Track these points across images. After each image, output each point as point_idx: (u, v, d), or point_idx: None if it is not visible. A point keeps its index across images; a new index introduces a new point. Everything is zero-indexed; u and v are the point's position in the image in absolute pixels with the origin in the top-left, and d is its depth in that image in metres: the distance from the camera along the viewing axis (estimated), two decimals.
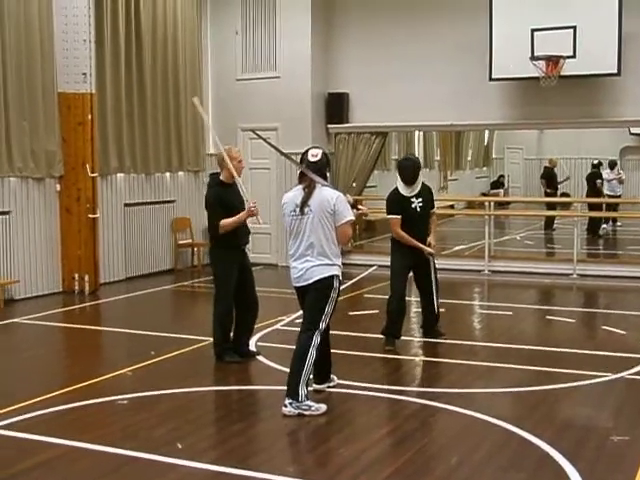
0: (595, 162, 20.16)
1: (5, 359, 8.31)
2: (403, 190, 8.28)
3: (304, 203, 6.24)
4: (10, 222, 11.11)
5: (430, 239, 8.35)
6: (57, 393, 6.76)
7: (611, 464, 5.22)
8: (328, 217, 6.20)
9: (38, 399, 6.54)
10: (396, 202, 8.31)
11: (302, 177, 6.36)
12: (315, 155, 6.36)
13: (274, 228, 14.23)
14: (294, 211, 6.30)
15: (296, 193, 6.35)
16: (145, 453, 5.35)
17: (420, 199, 8.27)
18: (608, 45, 12.27)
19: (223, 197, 7.62)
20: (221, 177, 7.69)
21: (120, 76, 12.67)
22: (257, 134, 7.42)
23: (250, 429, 6.04)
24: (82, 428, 5.98)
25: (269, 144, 7.16)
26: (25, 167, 11.21)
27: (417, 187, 8.27)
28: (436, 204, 8.67)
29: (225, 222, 7.55)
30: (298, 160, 6.54)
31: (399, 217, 8.24)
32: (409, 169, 8.27)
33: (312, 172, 6.25)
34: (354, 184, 14.38)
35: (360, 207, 6.86)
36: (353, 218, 6.33)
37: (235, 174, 7.40)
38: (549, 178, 19.92)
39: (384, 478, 4.96)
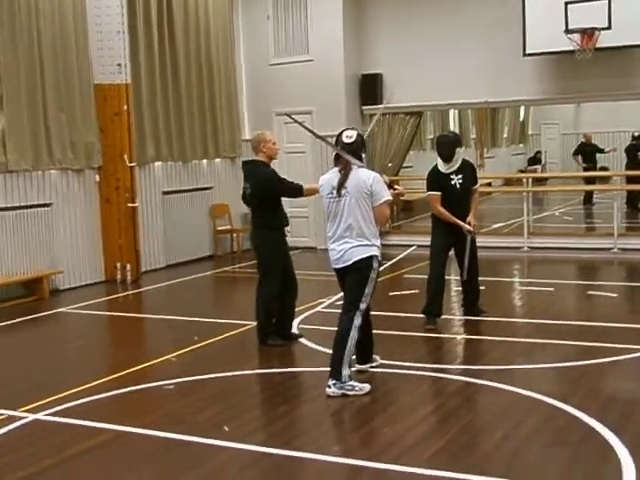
0: (636, 134, 19.86)
1: (53, 348, 8.47)
2: (442, 167, 8.28)
3: (341, 185, 6.25)
4: (52, 214, 11.27)
5: (470, 218, 8.32)
6: (104, 380, 6.88)
7: None
8: (365, 198, 6.21)
9: (86, 386, 6.66)
10: (435, 178, 8.31)
11: (338, 159, 6.36)
12: (350, 137, 6.36)
13: (312, 211, 14.28)
14: (331, 193, 6.31)
15: (332, 175, 6.37)
16: (193, 436, 5.43)
17: (460, 175, 8.24)
18: None
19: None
20: (261, 159, 7.76)
21: (154, 65, 12.76)
22: (292, 118, 7.41)
23: (294, 411, 6.11)
24: (130, 413, 6.10)
25: (304, 127, 7.16)
26: (65, 159, 11.35)
27: (456, 164, 8.24)
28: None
29: (310, 187, 7.65)
30: (333, 142, 6.54)
31: (439, 194, 8.23)
32: (445, 145, 8.25)
33: (347, 154, 6.26)
34: (390, 164, 14.36)
35: (396, 187, 6.86)
36: (390, 198, 6.34)
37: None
38: (584, 153, 19.70)
39: (430, 455, 4.99)
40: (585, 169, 19.27)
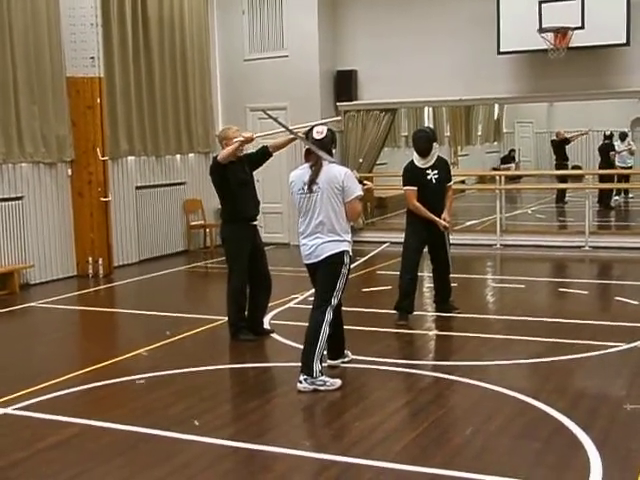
0: (607, 133, 20.06)
1: (23, 343, 8.40)
2: (418, 162, 8.30)
3: (312, 181, 6.24)
4: (23, 207, 11.17)
5: (444, 214, 8.35)
6: (75, 374, 6.84)
7: (624, 432, 5.26)
8: (337, 194, 6.21)
9: (56, 380, 6.62)
10: (411, 173, 8.32)
11: (309, 155, 6.35)
12: (320, 132, 6.34)
13: (285, 207, 14.28)
14: (302, 189, 6.30)
15: (303, 171, 6.35)
16: (162, 431, 5.42)
17: (436, 171, 8.27)
18: (617, 15, 12.18)
19: (232, 172, 7.64)
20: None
21: (128, 59, 12.68)
22: (267, 114, 7.39)
23: (266, 405, 6.10)
24: (100, 407, 6.07)
25: (280, 123, 7.13)
26: (36, 152, 11.26)
27: (432, 159, 8.27)
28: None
29: (223, 152, 7.59)
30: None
31: (415, 188, 8.25)
32: (422, 140, 8.27)
33: (318, 149, 6.25)
34: (361, 160, 14.37)
35: (366, 182, 6.88)
36: (362, 193, 6.34)
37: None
38: (560, 150, 19.82)
39: (400, 449, 5.01)
40: (559, 167, 19.38)
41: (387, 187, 15.32)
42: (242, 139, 7.53)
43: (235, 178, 7.68)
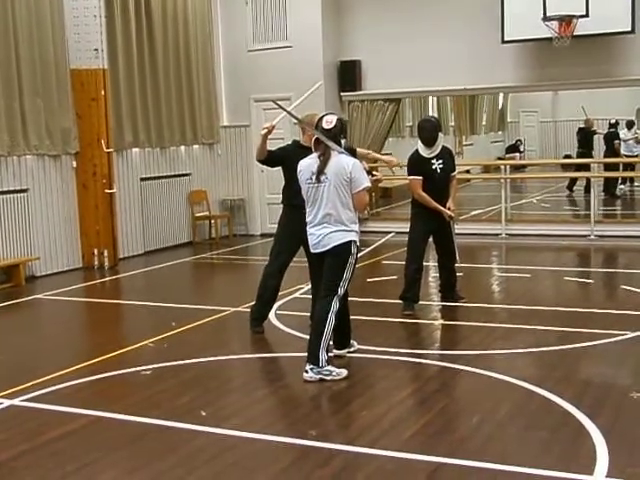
0: (612, 121, 19.94)
1: (29, 334, 8.41)
2: (423, 151, 8.27)
3: (320, 171, 6.22)
4: (28, 200, 11.18)
5: (449, 203, 8.34)
6: (81, 366, 6.85)
7: (631, 420, 5.25)
8: (345, 185, 6.19)
9: (63, 372, 6.63)
10: (417, 163, 8.30)
11: (317, 145, 6.32)
12: (330, 122, 6.30)
13: None
14: (310, 179, 6.29)
15: (311, 161, 6.33)
16: (169, 421, 5.42)
17: (441, 161, 8.25)
18: (621, 3, 12.15)
19: (296, 156, 7.49)
20: (301, 141, 7.65)
21: (132, 50, 12.67)
22: (278, 104, 7.35)
23: (272, 395, 6.11)
24: (107, 399, 6.07)
25: (290, 114, 7.11)
26: (41, 145, 11.25)
27: (437, 149, 8.26)
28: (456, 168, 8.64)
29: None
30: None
31: (420, 178, 8.24)
32: (428, 129, 8.25)
33: (327, 139, 6.22)
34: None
35: (374, 173, 6.86)
36: (369, 185, 6.31)
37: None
38: (584, 139, 19.59)
39: (406, 439, 5.01)
40: (581, 156, 19.11)
41: (392, 177, 15.28)
42: (266, 130, 7.37)
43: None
